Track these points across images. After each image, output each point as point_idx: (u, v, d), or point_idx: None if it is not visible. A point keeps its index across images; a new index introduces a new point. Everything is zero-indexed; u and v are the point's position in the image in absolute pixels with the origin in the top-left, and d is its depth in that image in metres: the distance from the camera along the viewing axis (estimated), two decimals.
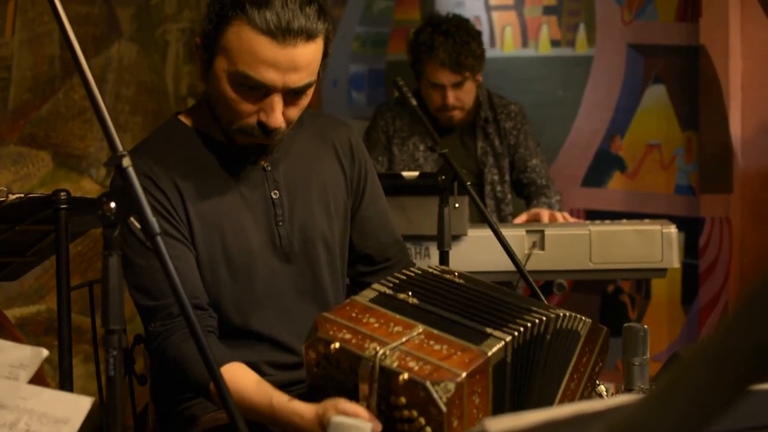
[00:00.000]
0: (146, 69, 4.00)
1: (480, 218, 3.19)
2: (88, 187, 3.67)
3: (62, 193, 2.06)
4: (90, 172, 3.72)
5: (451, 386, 1.57)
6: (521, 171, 3.69)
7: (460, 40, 3.52)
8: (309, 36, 1.84)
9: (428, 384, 1.57)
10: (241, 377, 1.81)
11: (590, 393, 1.91)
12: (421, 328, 1.69)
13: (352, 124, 4.27)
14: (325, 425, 1.60)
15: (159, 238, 1.40)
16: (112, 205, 1.39)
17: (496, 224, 2.27)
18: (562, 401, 1.83)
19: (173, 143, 2.00)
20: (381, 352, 1.62)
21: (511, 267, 2.23)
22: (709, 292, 4.01)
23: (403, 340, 1.66)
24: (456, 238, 2.95)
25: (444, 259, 2.33)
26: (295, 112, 1.93)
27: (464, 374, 1.58)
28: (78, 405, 1.36)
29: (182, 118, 2.05)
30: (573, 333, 1.78)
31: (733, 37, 3.87)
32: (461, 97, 3.56)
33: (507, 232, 2.47)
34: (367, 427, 1.46)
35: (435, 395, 1.56)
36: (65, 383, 2.00)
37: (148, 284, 1.88)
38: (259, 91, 1.86)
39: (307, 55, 1.85)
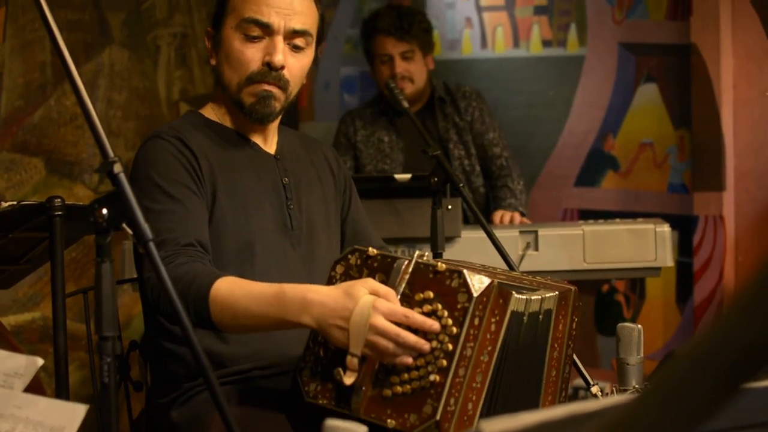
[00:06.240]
0: (138, 74, 4.00)
1: (473, 219, 3.19)
2: (81, 194, 3.67)
3: (57, 200, 2.05)
4: (83, 179, 3.72)
5: (486, 280, 1.65)
6: (479, 147, 3.69)
7: (406, 12, 3.60)
8: None
9: (465, 272, 1.65)
10: (244, 280, 1.85)
11: (572, 351, 1.95)
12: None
13: None
14: (354, 297, 1.65)
15: (151, 244, 1.40)
16: (104, 211, 1.39)
17: (489, 226, 2.28)
18: (549, 372, 1.89)
19: (197, 127, 2.13)
20: (418, 254, 1.71)
21: (505, 268, 2.24)
22: (703, 290, 4.02)
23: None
24: (449, 239, 2.95)
25: None
26: (296, 67, 2.09)
27: (496, 281, 1.67)
28: (73, 413, 1.36)
29: (200, 111, 2.19)
30: (549, 311, 1.86)
31: (724, 35, 3.88)
32: (410, 68, 3.58)
33: (500, 233, 2.47)
34: (362, 431, 1.45)
35: (469, 281, 1.64)
36: (61, 390, 1.99)
37: (158, 224, 1.91)
38: (263, 38, 2.06)
39: (304, 3, 2.08)
